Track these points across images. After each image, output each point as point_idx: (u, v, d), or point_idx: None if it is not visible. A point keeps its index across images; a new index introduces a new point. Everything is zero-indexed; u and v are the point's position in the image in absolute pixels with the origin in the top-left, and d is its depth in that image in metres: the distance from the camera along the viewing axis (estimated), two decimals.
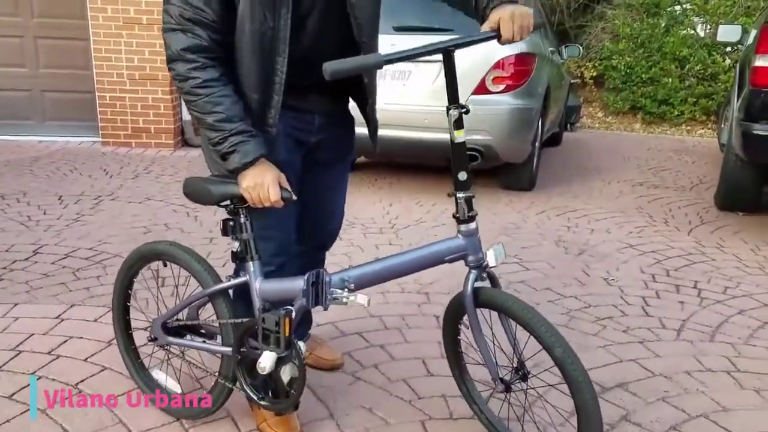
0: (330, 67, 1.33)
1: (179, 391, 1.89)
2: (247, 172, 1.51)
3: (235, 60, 1.54)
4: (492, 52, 4.30)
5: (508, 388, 1.64)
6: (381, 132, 4.32)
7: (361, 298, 1.48)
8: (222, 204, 1.59)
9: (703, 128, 9.53)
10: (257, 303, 1.62)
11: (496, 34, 1.49)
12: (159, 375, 1.91)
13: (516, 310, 1.49)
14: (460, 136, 1.49)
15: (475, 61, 4.31)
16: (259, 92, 1.55)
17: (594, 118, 10.47)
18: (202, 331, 1.82)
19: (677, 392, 2.12)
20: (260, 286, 1.61)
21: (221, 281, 1.69)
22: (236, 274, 1.81)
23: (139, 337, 2.12)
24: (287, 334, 1.49)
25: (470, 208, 1.53)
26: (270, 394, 1.67)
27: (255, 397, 1.65)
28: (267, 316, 1.50)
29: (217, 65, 1.49)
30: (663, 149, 7.49)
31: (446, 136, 4.26)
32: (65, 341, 2.33)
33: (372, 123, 1.83)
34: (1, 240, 3.39)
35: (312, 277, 1.52)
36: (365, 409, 1.96)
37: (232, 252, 1.62)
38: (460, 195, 1.52)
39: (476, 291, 1.54)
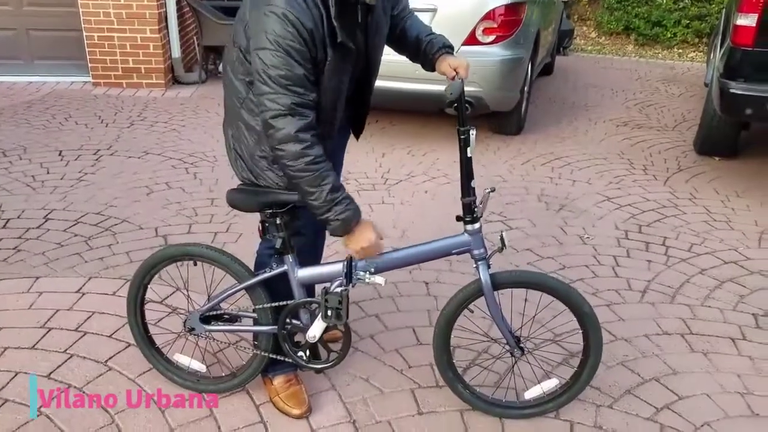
0: None
1: (204, 370, 2.16)
2: (351, 236, 1.75)
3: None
4: (482, 1, 4.31)
5: (522, 352, 1.99)
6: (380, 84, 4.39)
7: (379, 278, 1.82)
8: (265, 211, 1.84)
9: (694, 51, 9.50)
10: (296, 288, 1.92)
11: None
12: (182, 359, 2.17)
13: (538, 281, 1.88)
14: (469, 151, 1.80)
15: (465, 10, 4.33)
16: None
17: (587, 39, 10.37)
18: (226, 316, 2.07)
19: (635, 356, 2.42)
20: (299, 274, 1.91)
21: (256, 275, 1.95)
22: (257, 266, 2.04)
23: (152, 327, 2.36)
24: (347, 310, 1.82)
25: (475, 210, 1.82)
26: (310, 356, 1.99)
27: (301, 361, 1.97)
28: (330, 296, 1.80)
29: (319, 141, 1.66)
30: (652, 78, 7.54)
31: (436, 87, 4.35)
32: (89, 317, 2.58)
33: (363, 124, 2.06)
34: (11, 205, 3.57)
35: (347, 261, 1.82)
36: (363, 379, 2.25)
37: (275, 248, 1.88)
38: (465, 199, 1.82)
39: (493, 277, 1.85)
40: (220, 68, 6.58)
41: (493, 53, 4.40)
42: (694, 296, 2.85)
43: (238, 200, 1.86)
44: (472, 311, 1.95)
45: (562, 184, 4.14)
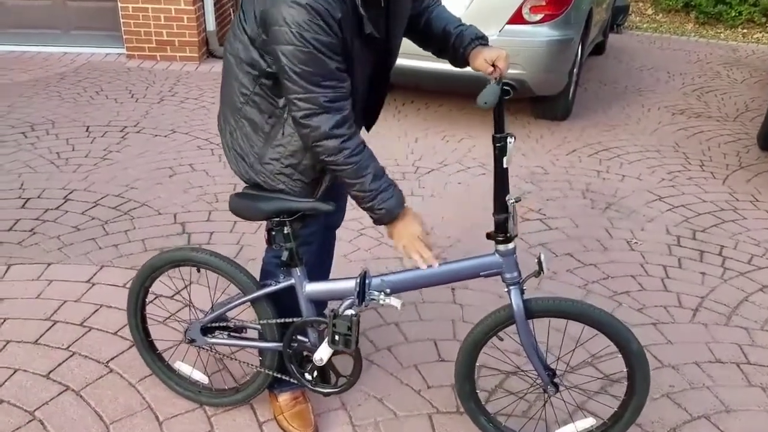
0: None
1: (206, 381, 2.01)
2: (395, 227, 1.63)
3: None
4: None
5: (557, 389, 1.76)
6: (409, 63, 4.13)
7: (394, 300, 1.62)
8: (272, 219, 1.66)
9: (761, 32, 8.82)
10: (303, 304, 1.75)
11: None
12: (183, 367, 2.03)
13: (580, 311, 1.63)
14: (505, 161, 1.56)
15: None
16: None
17: (643, 16, 9.75)
18: (230, 327, 1.91)
19: (683, 387, 2.16)
20: (308, 289, 1.73)
21: (262, 287, 1.77)
22: (264, 275, 1.87)
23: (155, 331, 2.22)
24: (357, 336, 1.64)
25: (507, 229, 1.59)
26: (318, 379, 1.82)
27: (308, 384, 1.81)
28: (338, 321, 1.64)
29: (356, 130, 1.55)
30: (712, 62, 7.01)
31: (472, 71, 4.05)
32: (96, 310, 2.46)
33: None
34: (33, 183, 3.49)
35: (360, 278, 1.64)
36: (376, 399, 2.07)
37: (281, 260, 1.70)
38: (498, 216, 1.59)
39: (527, 304, 1.64)
40: None
41: (541, 33, 4.07)
42: (753, 318, 2.55)
43: (243, 207, 1.67)
44: (501, 339, 1.73)
45: (610, 178, 3.83)
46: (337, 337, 1.64)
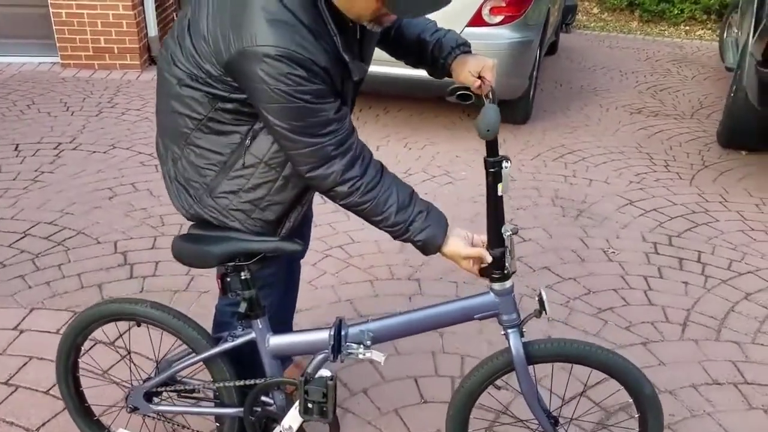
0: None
1: None
2: (445, 252, 1.40)
3: None
4: None
5: None
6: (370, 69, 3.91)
7: (377, 354, 1.40)
8: (225, 264, 1.40)
9: (702, 29, 9.00)
10: (267, 362, 1.50)
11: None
12: None
13: (586, 355, 1.45)
14: (500, 189, 1.36)
15: None
16: None
17: (589, 15, 9.83)
18: (180, 388, 1.64)
19: (683, 416, 2.02)
20: (272, 344, 1.47)
21: (216, 342, 1.50)
22: (217, 326, 1.61)
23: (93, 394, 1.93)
24: (334, 402, 1.42)
25: (504, 265, 1.39)
26: None
27: None
28: (311, 388, 1.41)
29: (369, 159, 1.36)
30: (661, 59, 7.06)
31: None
32: (24, 364, 2.14)
33: None
34: None
35: (335, 328, 1.41)
36: None
37: (239, 312, 1.45)
38: (496, 251, 1.38)
39: (527, 348, 1.45)
40: None
41: (502, 35, 3.92)
42: (742, 330, 2.45)
43: (190, 253, 1.40)
44: (499, 388, 1.53)
45: (578, 183, 3.71)
46: (310, 405, 1.40)
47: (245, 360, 1.53)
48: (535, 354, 1.46)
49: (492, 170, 1.34)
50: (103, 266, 2.69)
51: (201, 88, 1.29)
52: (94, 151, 3.84)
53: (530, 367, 1.46)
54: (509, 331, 1.43)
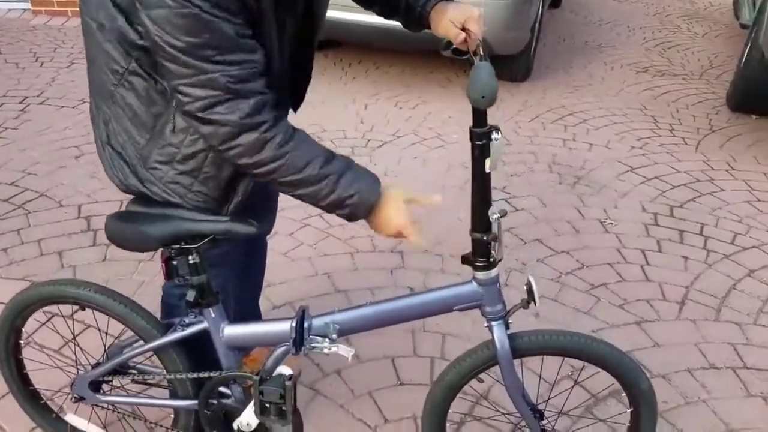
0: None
1: None
2: (377, 215, 1.20)
3: None
4: None
5: None
6: (353, 17, 3.67)
7: (343, 349, 1.25)
8: (169, 246, 1.22)
9: None
10: (222, 353, 1.34)
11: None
12: (76, 421, 1.61)
13: (578, 347, 1.30)
14: (488, 165, 1.15)
15: None
16: None
17: None
18: (131, 373, 1.49)
19: (676, 403, 1.89)
20: (227, 334, 1.31)
21: (167, 328, 1.36)
22: (166, 310, 1.46)
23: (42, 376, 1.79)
24: (294, 402, 1.27)
25: (490, 252, 1.21)
26: None
27: None
28: (266, 389, 1.26)
29: (282, 116, 1.13)
30: (671, 14, 6.73)
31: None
32: None
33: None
34: None
35: (298, 320, 1.25)
36: None
37: (187, 300, 1.27)
38: (478, 235, 1.20)
39: (513, 341, 1.29)
40: None
41: None
42: (744, 310, 2.30)
43: (125, 234, 1.22)
44: (482, 381, 1.38)
45: (577, 148, 3.51)
46: (267, 405, 1.25)
47: (199, 349, 1.37)
48: (522, 347, 1.30)
49: (479, 143, 1.14)
50: (65, 231, 2.53)
51: (113, 29, 1.10)
52: (63, 106, 3.62)
53: (516, 361, 1.31)
54: (493, 323, 1.28)
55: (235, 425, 1.39)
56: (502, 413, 1.67)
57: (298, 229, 2.62)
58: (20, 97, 3.71)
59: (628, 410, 1.38)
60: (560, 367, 1.93)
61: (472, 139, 1.14)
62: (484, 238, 1.20)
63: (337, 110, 3.79)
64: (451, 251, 2.53)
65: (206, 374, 1.34)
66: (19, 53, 4.38)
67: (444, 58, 4.33)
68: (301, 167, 1.13)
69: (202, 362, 1.38)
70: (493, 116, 3.79)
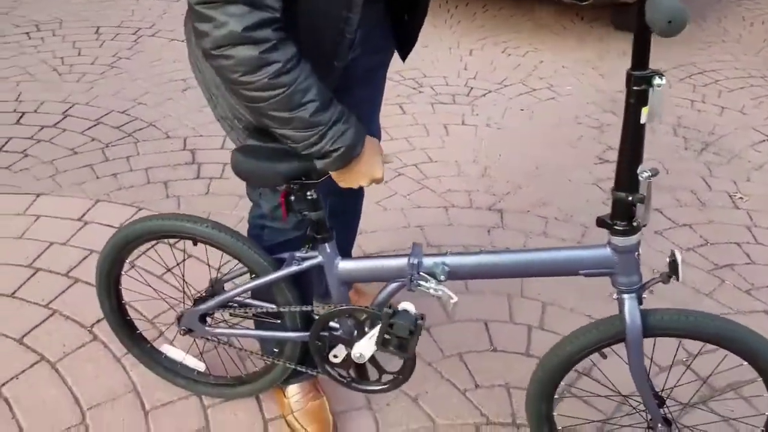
0: None
1: (203, 368, 1.62)
2: (353, 167, 1.15)
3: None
4: None
5: (669, 427, 1.31)
6: None
7: (449, 293, 1.20)
8: (292, 182, 1.20)
9: None
10: (335, 288, 1.34)
11: None
12: (172, 351, 1.63)
13: (724, 334, 1.15)
14: (644, 115, 1.00)
15: None
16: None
17: None
18: (238, 307, 1.49)
19: None
20: (341, 269, 1.31)
21: (280, 263, 1.35)
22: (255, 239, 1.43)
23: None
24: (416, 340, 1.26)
25: (633, 215, 1.09)
26: (354, 374, 1.43)
27: (343, 381, 1.43)
28: (398, 323, 1.24)
29: (289, 38, 1.02)
30: None
31: None
32: (85, 257, 2.08)
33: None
34: (31, 94, 3.07)
35: (416, 256, 1.22)
36: (410, 399, 1.66)
37: (307, 236, 1.30)
38: (621, 195, 1.08)
39: (646, 318, 1.16)
40: None
41: None
42: None
43: (255, 169, 1.18)
44: (605, 357, 1.26)
45: (707, 111, 3.16)
46: (388, 337, 1.24)
47: (303, 282, 1.38)
48: (654, 325, 1.16)
49: (637, 88, 0.98)
50: (171, 162, 2.57)
51: None
52: (173, 39, 3.68)
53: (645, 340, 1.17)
54: (625, 296, 1.15)
55: (332, 355, 1.37)
56: (617, 393, 1.53)
57: (393, 178, 2.53)
58: (133, 28, 3.81)
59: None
60: (676, 351, 1.75)
61: (628, 84, 0.99)
62: (629, 198, 1.05)
63: (439, 55, 3.62)
64: (556, 214, 2.36)
65: (330, 308, 1.32)
66: None
67: (559, 4, 4.01)
68: (292, 107, 1.03)
69: (308, 296, 1.40)
70: (613, 68, 3.49)
